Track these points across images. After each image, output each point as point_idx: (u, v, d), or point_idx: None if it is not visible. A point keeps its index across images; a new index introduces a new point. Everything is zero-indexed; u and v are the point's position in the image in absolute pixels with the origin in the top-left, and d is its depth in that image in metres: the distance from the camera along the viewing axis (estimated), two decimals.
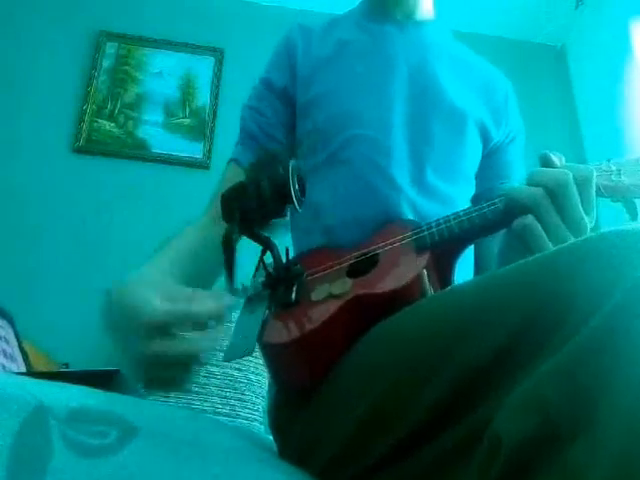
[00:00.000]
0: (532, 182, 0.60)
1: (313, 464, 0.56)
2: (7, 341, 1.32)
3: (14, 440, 0.39)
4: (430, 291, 0.62)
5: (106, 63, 2.51)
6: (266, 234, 0.62)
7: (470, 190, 0.86)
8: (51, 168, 2.29)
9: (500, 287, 0.44)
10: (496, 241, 0.82)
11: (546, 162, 0.62)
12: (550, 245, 0.58)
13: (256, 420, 1.86)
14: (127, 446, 0.42)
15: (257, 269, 0.66)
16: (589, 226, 0.59)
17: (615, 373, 0.32)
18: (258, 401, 1.89)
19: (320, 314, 0.60)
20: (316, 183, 0.77)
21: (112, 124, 2.42)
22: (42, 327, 1.73)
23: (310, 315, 0.61)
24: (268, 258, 0.65)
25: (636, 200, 0.63)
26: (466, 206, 0.68)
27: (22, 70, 2.42)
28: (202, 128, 2.47)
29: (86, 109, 2.40)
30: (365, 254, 0.69)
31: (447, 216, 0.66)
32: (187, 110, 2.49)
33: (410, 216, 0.75)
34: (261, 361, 2.15)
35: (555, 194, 0.58)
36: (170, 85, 2.52)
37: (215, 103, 2.51)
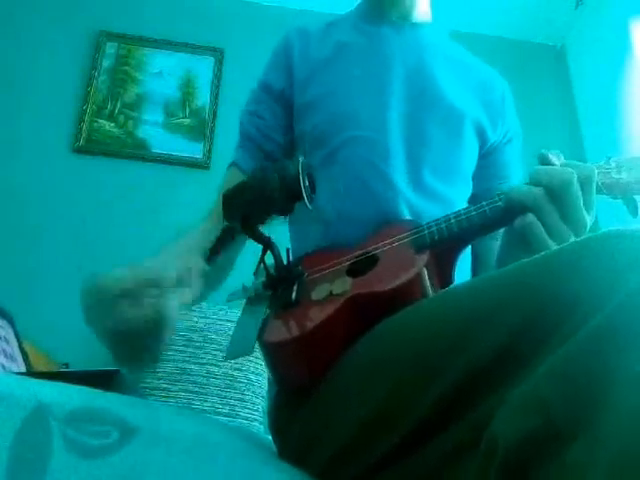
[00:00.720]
0: (535, 180, 0.60)
1: (312, 464, 0.56)
2: (7, 341, 1.32)
3: (14, 440, 0.39)
4: (430, 290, 0.62)
5: (106, 63, 2.51)
6: (266, 234, 0.62)
7: (467, 191, 0.86)
8: (51, 168, 2.29)
9: (501, 287, 0.44)
10: (495, 241, 0.82)
11: (544, 161, 0.62)
12: (551, 244, 0.58)
13: (256, 420, 1.86)
14: (127, 446, 0.42)
15: (257, 269, 0.66)
16: (589, 224, 0.59)
17: (615, 373, 0.32)
18: (258, 401, 1.89)
19: (320, 313, 0.60)
20: (316, 182, 0.78)
21: (112, 124, 2.42)
22: (42, 327, 1.73)
23: (310, 314, 0.61)
24: (269, 259, 0.65)
25: (636, 197, 0.64)
26: (463, 207, 0.68)
27: (22, 70, 2.42)
28: (202, 128, 2.47)
29: (86, 109, 2.40)
30: (365, 254, 0.69)
31: (447, 215, 0.66)
32: (187, 110, 2.49)
33: (408, 216, 0.76)
34: (261, 361, 2.14)
35: (558, 193, 0.58)
36: (170, 85, 2.52)
37: (215, 103, 2.51)
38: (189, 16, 2.62)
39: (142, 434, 0.44)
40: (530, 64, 2.78)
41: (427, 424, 0.45)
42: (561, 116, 2.71)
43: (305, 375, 0.62)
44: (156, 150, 2.40)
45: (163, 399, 1.78)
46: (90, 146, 2.36)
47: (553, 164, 0.61)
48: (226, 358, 0.57)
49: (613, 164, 0.64)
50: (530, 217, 0.59)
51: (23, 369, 1.32)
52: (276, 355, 0.63)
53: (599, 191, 0.61)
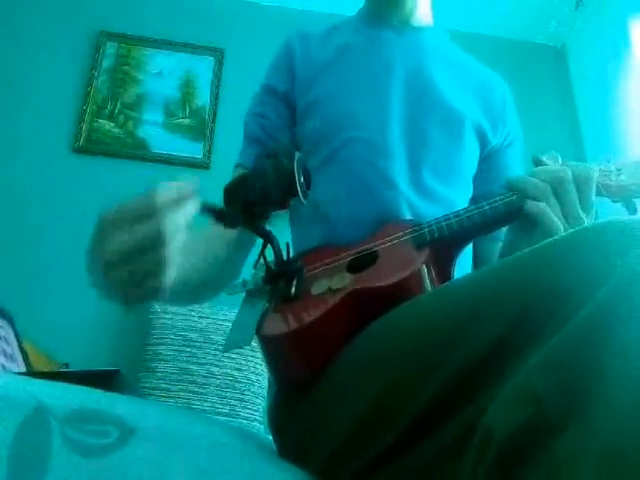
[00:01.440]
0: (535, 177, 0.61)
1: (312, 462, 0.56)
2: (7, 341, 1.32)
3: (14, 440, 0.39)
4: (430, 287, 0.62)
5: (106, 63, 2.51)
6: (267, 228, 0.62)
7: (467, 193, 0.87)
8: (51, 168, 2.29)
9: (497, 280, 0.45)
10: (495, 243, 0.82)
11: (538, 165, 0.63)
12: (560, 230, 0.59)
13: (256, 420, 1.86)
14: (126, 446, 0.42)
15: (257, 263, 0.66)
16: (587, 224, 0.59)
17: (605, 362, 0.32)
18: (258, 401, 1.90)
19: (318, 307, 0.60)
20: (315, 182, 0.78)
21: (112, 124, 2.42)
22: (42, 327, 1.73)
23: (309, 308, 0.61)
24: (269, 254, 0.65)
25: (636, 200, 0.64)
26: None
27: (22, 70, 2.42)
28: (202, 128, 2.47)
29: (86, 109, 2.40)
30: (365, 250, 0.69)
31: (447, 214, 0.67)
32: (187, 110, 2.49)
33: (408, 215, 0.76)
34: (261, 361, 2.14)
35: (555, 190, 0.58)
36: (170, 85, 2.52)
37: (215, 103, 2.51)
38: (189, 16, 2.62)
39: (141, 434, 0.44)
40: (530, 64, 2.78)
41: (425, 419, 0.45)
42: (561, 116, 2.71)
43: (303, 370, 0.62)
44: (156, 150, 2.40)
45: (163, 399, 1.78)
46: (90, 146, 2.36)
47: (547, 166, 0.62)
48: (223, 350, 0.57)
49: (613, 167, 0.65)
50: (542, 204, 0.59)
51: (23, 369, 1.32)
52: (274, 349, 0.63)
53: (599, 192, 0.62)
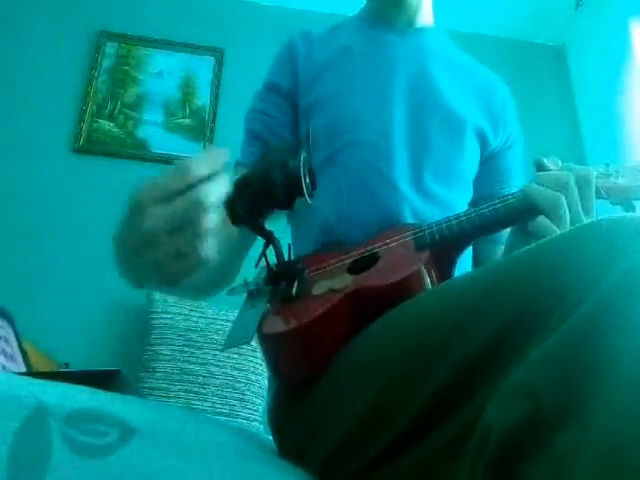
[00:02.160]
0: (546, 186, 0.61)
1: (312, 461, 0.56)
2: (7, 341, 1.32)
3: (14, 440, 0.39)
4: (430, 288, 0.62)
5: (106, 63, 2.51)
6: (269, 229, 0.62)
7: (468, 195, 0.87)
8: (51, 168, 2.29)
9: (496, 277, 0.45)
10: (496, 246, 0.82)
11: (540, 167, 0.63)
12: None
13: (256, 420, 1.86)
14: (126, 446, 0.42)
15: (258, 263, 0.66)
16: None
17: (604, 358, 0.32)
18: (258, 401, 1.90)
19: (319, 307, 0.61)
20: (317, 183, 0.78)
21: (112, 124, 2.42)
22: (42, 327, 1.73)
23: (309, 308, 0.61)
24: (270, 255, 0.65)
25: (635, 202, 0.64)
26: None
27: (22, 70, 2.42)
28: (202, 128, 2.47)
29: (86, 109, 2.40)
30: (366, 252, 0.69)
31: (448, 217, 0.67)
32: (187, 110, 2.49)
33: (410, 218, 0.76)
34: (261, 361, 2.14)
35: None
36: (170, 85, 2.52)
37: (215, 103, 2.51)
38: (189, 16, 2.62)
39: (142, 434, 0.44)
40: (530, 64, 2.78)
41: (425, 418, 0.45)
42: (561, 116, 2.71)
43: (303, 369, 0.62)
44: (156, 150, 2.40)
45: (163, 399, 1.78)
46: (90, 146, 2.36)
47: (549, 169, 0.62)
48: (223, 348, 0.57)
49: (612, 170, 0.65)
50: (542, 218, 0.59)
51: (23, 369, 1.32)
52: (274, 347, 0.63)
53: (599, 195, 0.62)
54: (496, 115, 0.90)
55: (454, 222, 0.66)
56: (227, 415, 1.80)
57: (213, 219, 0.44)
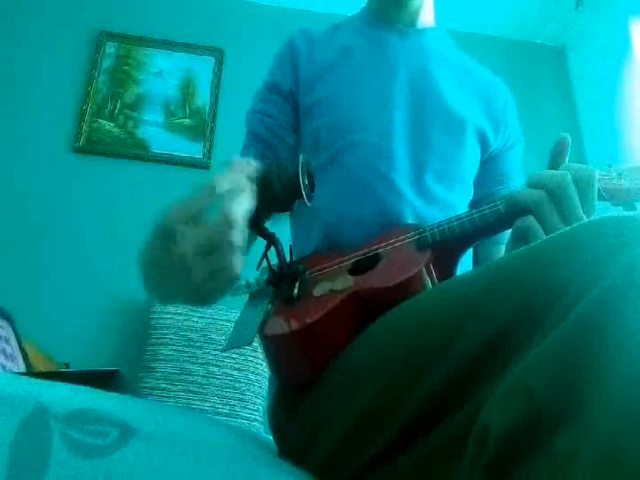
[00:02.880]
0: (531, 184, 0.60)
1: (312, 461, 0.57)
2: (7, 341, 1.32)
3: (14, 439, 0.39)
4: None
5: (106, 63, 2.51)
6: (270, 230, 0.63)
7: (468, 196, 0.87)
8: (51, 168, 2.29)
9: (493, 278, 0.45)
10: (496, 246, 0.82)
11: (562, 148, 0.62)
12: None
13: (256, 420, 1.86)
14: (126, 446, 0.42)
15: (260, 264, 0.66)
16: None
17: (602, 358, 0.32)
18: (258, 401, 1.89)
19: (320, 308, 0.61)
20: (317, 184, 0.78)
21: (112, 124, 2.42)
22: (42, 327, 1.73)
23: (311, 309, 0.61)
24: (272, 256, 0.65)
25: (637, 203, 0.64)
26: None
27: (23, 70, 2.42)
28: (202, 128, 2.47)
29: (86, 109, 2.41)
30: (367, 253, 0.69)
31: (449, 218, 0.67)
32: (187, 110, 2.49)
33: (410, 219, 0.76)
34: (261, 361, 2.14)
35: (555, 195, 0.58)
36: (170, 85, 2.52)
37: (215, 103, 2.51)
38: (189, 16, 2.62)
39: (141, 434, 0.44)
40: (530, 64, 2.78)
41: (424, 418, 0.45)
42: (561, 116, 2.71)
43: (304, 370, 0.62)
44: (156, 150, 2.40)
45: (163, 399, 1.78)
46: (90, 146, 2.36)
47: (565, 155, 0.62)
48: (225, 348, 0.58)
49: (614, 172, 0.65)
50: (529, 219, 0.58)
51: (23, 369, 1.32)
52: (276, 348, 0.63)
53: (600, 197, 0.61)
54: (497, 116, 0.90)
55: (455, 223, 0.65)
56: (227, 415, 1.80)
57: (241, 235, 0.46)
